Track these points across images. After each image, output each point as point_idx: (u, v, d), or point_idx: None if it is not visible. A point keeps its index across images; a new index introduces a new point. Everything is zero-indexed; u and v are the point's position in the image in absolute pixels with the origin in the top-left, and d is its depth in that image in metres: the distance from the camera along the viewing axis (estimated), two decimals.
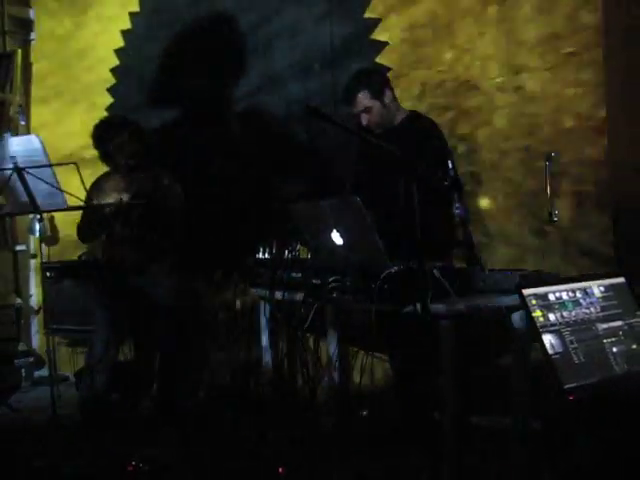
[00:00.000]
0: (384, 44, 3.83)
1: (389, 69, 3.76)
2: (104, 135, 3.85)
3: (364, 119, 3.22)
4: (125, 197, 3.80)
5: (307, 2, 4.11)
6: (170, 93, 4.65)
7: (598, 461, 1.91)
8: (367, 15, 3.90)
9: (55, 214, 4.76)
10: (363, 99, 3.19)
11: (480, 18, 3.57)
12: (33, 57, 5.28)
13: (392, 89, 3.28)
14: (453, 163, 2.61)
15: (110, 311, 3.76)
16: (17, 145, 3.09)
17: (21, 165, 3.07)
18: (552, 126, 3.40)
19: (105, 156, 3.91)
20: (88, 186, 3.69)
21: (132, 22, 4.81)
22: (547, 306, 2.18)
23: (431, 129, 3.23)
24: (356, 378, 3.18)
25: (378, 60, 3.83)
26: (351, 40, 3.95)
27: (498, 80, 3.53)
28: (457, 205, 2.60)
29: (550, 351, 2.08)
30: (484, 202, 3.57)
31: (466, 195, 2.92)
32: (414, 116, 3.31)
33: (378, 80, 3.25)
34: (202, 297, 4.58)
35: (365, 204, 2.49)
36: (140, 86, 4.77)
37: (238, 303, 3.94)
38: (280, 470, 2.90)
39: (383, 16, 3.85)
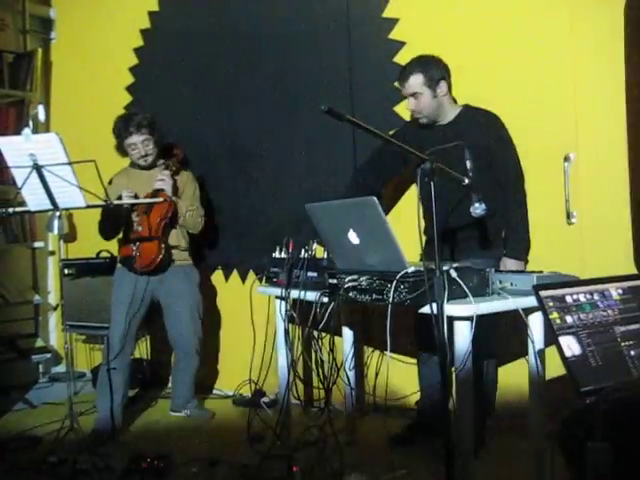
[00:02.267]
0: (401, 44, 3.83)
1: None
2: (123, 130, 3.87)
3: (412, 104, 3.18)
4: (143, 194, 3.83)
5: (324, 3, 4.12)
6: (190, 94, 4.67)
7: (615, 465, 1.89)
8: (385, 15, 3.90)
9: (73, 211, 4.80)
10: (414, 83, 3.14)
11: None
12: (53, 56, 5.33)
13: (449, 85, 3.22)
14: (472, 162, 2.58)
15: (127, 308, 3.78)
16: (37, 142, 3.11)
17: (40, 162, 3.09)
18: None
19: (122, 149, 3.94)
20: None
21: (151, 21, 4.84)
22: (564, 308, 2.16)
23: (487, 124, 3.16)
24: (371, 379, 3.17)
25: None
26: (369, 40, 3.96)
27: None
28: (475, 205, 2.58)
29: (567, 354, 2.07)
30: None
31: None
32: (468, 111, 3.25)
33: (436, 69, 3.17)
34: (217, 295, 4.60)
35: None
36: (159, 84, 4.79)
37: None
38: (294, 469, 2.91)
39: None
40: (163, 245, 3.80)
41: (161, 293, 3.91)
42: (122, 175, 4.00)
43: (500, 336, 3.16)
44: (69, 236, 5.09)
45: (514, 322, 2.59)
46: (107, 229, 3.90)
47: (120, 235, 3.94)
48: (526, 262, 3.19)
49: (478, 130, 3.10)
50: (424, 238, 3.31)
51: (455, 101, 3.33)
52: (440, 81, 3.17)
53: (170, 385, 4.22)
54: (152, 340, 4.77)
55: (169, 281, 3.89)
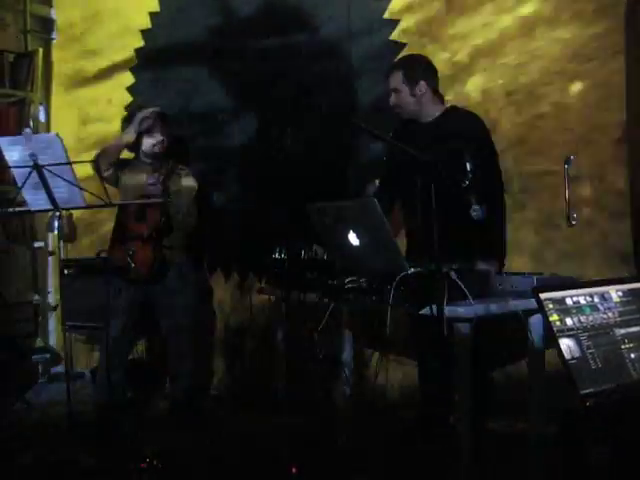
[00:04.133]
0: (402, 45, 3.83)
1: None
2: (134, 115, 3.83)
3: (392, 98, 3.26)
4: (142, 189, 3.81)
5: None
6: (190, 93, 4.67)
7: (614, 467, 1.89)
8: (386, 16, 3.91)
9: (74, 211, 4.80)
10: (394, 79, 3.23)
11: None
12: (54, 56, 5.33)
13: (432, 84, 3.24)
14: (474, 164, 2.58)
15: (123, 307, 3.77)
16: (37, 142, 3.11)
17: (41, 162, 3.09)
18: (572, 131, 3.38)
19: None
20: None
21: (152, 22, 4.84)
22: (564, 310, 2.16)
23: (468, 126, 3.18)
24: (371, 379, 3.17)
25: None
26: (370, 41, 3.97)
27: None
28: (475, 207, 2.58)
29: (567, 356, 2.06)
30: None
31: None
32: (451, 112, 3.27)
33: (417, 68, 3.23)
34: (213, 295, 4.59)
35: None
36: (159, 84, 4.79)
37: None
38: (294, 470, 2.90)
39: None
40: (158, 250, 3.78)
41: (156, 290, 3.89)
42: (123, 167, 3.90)
43: (500, 338, 3.15)
44: (69, 236, 5.09)
45: (514, 324, 2.59)
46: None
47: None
48: (502, 265, 3.15)
49: (458, 132, 3.11)
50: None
51: (442, 102, 3.33)
52: (420, 81, 3.21)
53: (168, 385, 4.21)
54: (150, 340, 4.76)
55: (165, 281, 3.87)
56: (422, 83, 3.21)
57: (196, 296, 4.04)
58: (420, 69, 3.24)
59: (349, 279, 2.69)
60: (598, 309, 2.20)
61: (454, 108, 3.30)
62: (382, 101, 3.81)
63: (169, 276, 3.88)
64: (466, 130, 3.13)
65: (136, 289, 3.79)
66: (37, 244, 5.13)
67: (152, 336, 4.62)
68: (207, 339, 4.51)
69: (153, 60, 4.83)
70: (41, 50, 5.09)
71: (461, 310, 2.40)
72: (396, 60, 3.41)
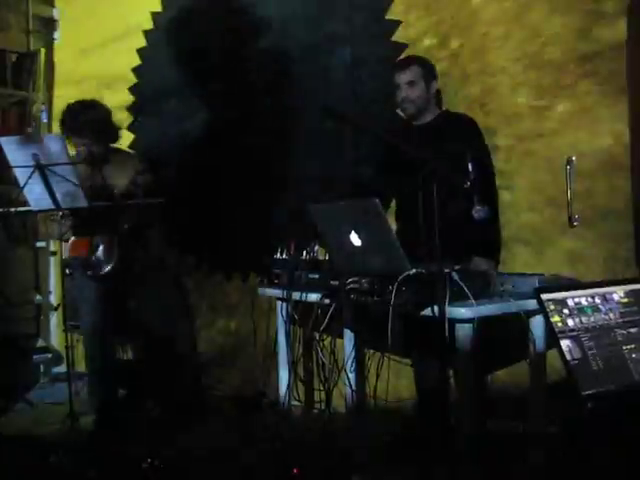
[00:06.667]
0: (404, 46, 3.83)
1: None
2: (69, 115, 3.66)
3: (406, 91, 3.24)
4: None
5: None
6: (192, 93, 4.67)
7: (616, 469, 1.89)
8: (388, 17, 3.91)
9: None
10: (414, 72, 3.24)
11: None
12: (56, 56, 5.34)
13: (436, 86, 3.34)
14: (476, 165, 2.58)
15: (95, 311, 3.76)
16: (39, 142, 3.12)
17: (42, 162, 3.10)
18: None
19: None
20: None
21: (154, 22, 4.85)
22: (566, 311, 2.16)
23: (464, 128, 3.21)
24: (372, 380, 3.17)
25: None
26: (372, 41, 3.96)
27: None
28: (477, 207, 2.58)
29: (568, 357, 2.07)
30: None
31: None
32: (446, 115, 3.32)
33: (430, 68, 3.31)
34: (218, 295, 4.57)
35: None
36: (161, 84, 4.79)
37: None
38: (295, 471, 2.90)
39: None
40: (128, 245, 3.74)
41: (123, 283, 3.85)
42: None
43: (501, 339, 3.15)
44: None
45: (515, 325, 2.59)
46: None
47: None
48: (497, 262, 3.16)
49: (454, 134, 3.13)
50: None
51: (439, 105, 3.38)
52: (433, 80, 3.29)
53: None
54: (134, 342, 4.73)
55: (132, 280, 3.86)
56: (434, 82, 3.29)
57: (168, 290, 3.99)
58: (433, 69, 3.32)
59: (350, 279, 2.69)
60: (600, 310, 2.20)
61: (448, 111, 3.35)
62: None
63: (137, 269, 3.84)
64: (462, 132, 3.15)
65: (101, 283, 3.75)
66: (39, 244, 5.14)
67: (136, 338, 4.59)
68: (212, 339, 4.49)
69: (155, 60, 4.83)
70: (43, 50, 5.10)
71: (463, 311, 2.40)
72: (405, 57, 3.47)
